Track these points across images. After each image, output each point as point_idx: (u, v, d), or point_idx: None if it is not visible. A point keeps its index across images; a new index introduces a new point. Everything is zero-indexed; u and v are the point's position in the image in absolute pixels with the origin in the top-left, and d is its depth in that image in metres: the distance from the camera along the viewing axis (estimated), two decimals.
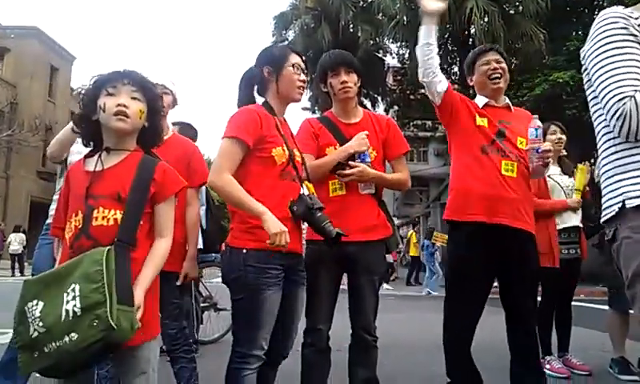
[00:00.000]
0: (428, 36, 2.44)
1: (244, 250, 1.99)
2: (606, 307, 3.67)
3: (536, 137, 2.46)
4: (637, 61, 1.46)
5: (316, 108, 18.88)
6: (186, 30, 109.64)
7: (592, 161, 3.86)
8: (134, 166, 1.78)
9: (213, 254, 6.11)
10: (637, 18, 1.49)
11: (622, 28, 1.47)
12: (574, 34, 13.97)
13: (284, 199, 2.05)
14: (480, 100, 2.62)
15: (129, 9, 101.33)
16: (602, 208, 1.61)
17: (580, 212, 3.68)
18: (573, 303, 3.81)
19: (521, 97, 12.39)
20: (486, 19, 13.42)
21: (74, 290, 1.55)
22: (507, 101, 2.68)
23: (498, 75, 2.59)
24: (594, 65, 1.53)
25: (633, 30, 1.47)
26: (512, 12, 14.25)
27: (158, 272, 1.78)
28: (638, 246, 1.44)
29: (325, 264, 2.37)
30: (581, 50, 1.63)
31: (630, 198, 1.46)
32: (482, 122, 2.53)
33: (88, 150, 1.85)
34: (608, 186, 1.57)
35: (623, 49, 1.46)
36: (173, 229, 1.84)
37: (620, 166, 1.52)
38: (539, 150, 2.42)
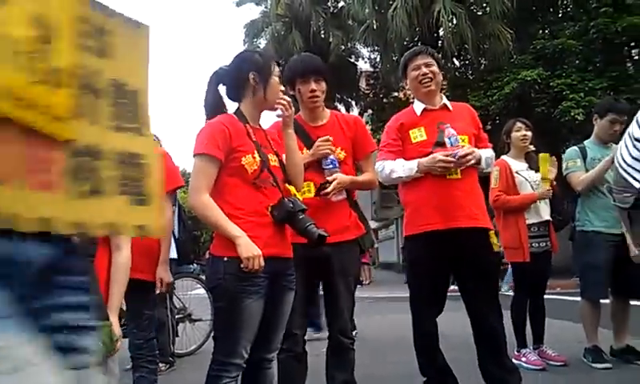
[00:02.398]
0: (408, 176, 2.61)
1: (224, 259, 1.96)
2: (579, 298, 3.74)
3: (451, 145, 2.56)
4: None
5: None
6: (154, 38, 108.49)
7: (561, 156, 3.94)
8: None
9: (191, 266, 6.01)
10: None
11: None
12: (540, 32, 14.30)
13: (262, 205, 2.04)
14: (418, 106, 2.72)
15: None
16: (628, 170, 1.67)
17: (549, 206, 3.75)
18: (547, 296, 3.88)
19: (491, 96, 12.61)
20: (453, 21, 13.63)
21: None
22: (444, 101, 2.75)
23: (428, 80, 2.66)
24: None
25: None
26: (479, 13, 14.50)
27: (125, 287, 1.76)
28: None
29: (299, 268, 2.36)
30: None
31: None
32: (418, 136, 2.64)
33: None
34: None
35: None
36: (130, 238, 1.80)
37: None
38: (456, 157, 2.50)
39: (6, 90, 0.60)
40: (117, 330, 1.63)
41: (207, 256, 2.17)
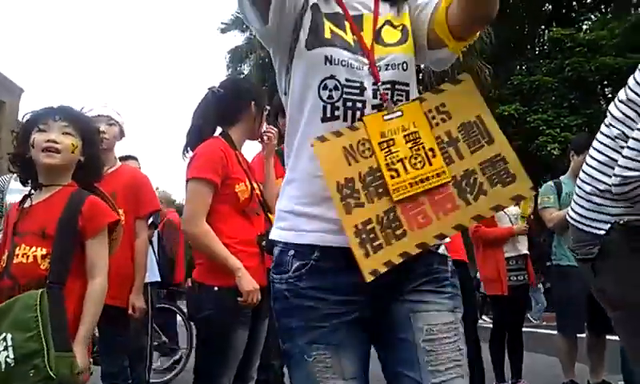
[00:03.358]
0: None
1: (215, 288, 1.92)
2: (555, 332, 3.76)
3: None
4: None
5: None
6: (137, 62, 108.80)
7: (537, 189, 4.01)
8: (63, 201, 1.71)
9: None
10: None
11: None
12: (517, 68, 14.73)
13: (251, 235, 2.02)
14: None
15: (80, 40, 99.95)
16: (579, 216, 1.66)
17: (526, 239, 3.80)
18: (524, 329, 3.89)
19: None
20: None
21: (5, 339, 1.46)
22: None
23: None
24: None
25: None
26: None
27: (97, 318, 1.70)
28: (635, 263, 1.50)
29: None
30: (634, 76, 1.59)
31: (627, 220, 1.51)
32: None
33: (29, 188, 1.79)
34: (596, 204, 1.60)
35: None
36: (107, 267, 1.76)
37: (615, 200, 1.54)
38: None
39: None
40: (82, 361, 1.55)
41: (189, 283, 2.11)
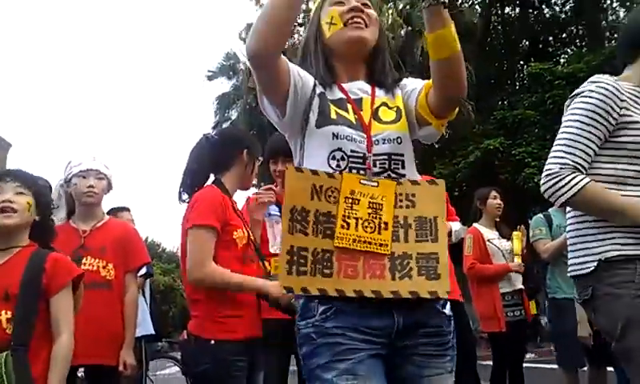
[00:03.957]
0: None
1: (212, 342, 1.88)
2: (556, 366, 3.70)
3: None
4: (595, 137, 1.58)
5: (262, 184, 19.03)
6: (125, 111, 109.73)
7: (528, 221, 4.03)
8: (23, 261, 1.70)
9: (158, 344, 5.78)
10: (623, 94, 1.59)
11: (605, 102, 1.58)
12: (499, 103, 15.06)
13: None
14: None
15: (67, 89, 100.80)
16: (570, 263, 1.68)
17: (521, 274, 3.79)
18: (524, 364, 3.83)
19: (457, 164, 13.02)
20: None
21: None
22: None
23: None
24: (566, 120, 1.65)
25: (616, 106, 1.57)
26: None
27: (65, 377, 1.66)
28: (623, 300, 1.51)
29: (274, 344, 2.29)
30: (565, 104, 1.74)
31: (610, 255, 1.54)
32: None
33: None
34: (580, 243, 1.64)
35: (592, 120, 1.58)
36: (72, 322, 1.73)
37: (597, 227, 1.60)
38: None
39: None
40: None
41: (184, 336, 2.06)
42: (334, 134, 1.29)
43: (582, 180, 1.55)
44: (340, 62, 1.41)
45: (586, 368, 3.59)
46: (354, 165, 1.29)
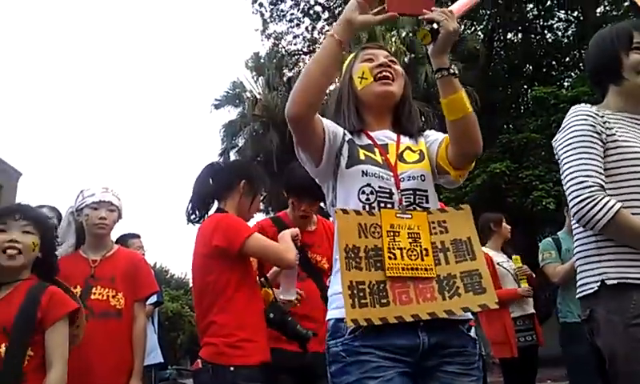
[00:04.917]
0: None
1: (231, 368, 1.88)
2: None
3: None
4: (598, 156, 1.59)
5: (270, 208, 19.06)
6: (133, 139, 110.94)
7: (537, 244, 4.02)
8: (21, 296, 1.72)
9: (166, 372, 5.72)
10: (602, 117, 1.64)
11: (589, 125, 1.62)
12: (504, 127, 15.10)
13: (260, 306, 2.05)
14: None
15: (76, 120, 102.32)
16: (578, 285, 1.69)
17: (531, 299, 3.76)
18: None
19: (464, 187, 13.01)
20: (422, 119, 14.37)
21: None
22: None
23: None
24: (563, 154, 1.66)
25: (599, 128, 1.61)
26: None
27: None
28: (616, 327, 1.52)
29: (283, 374, 2.27)
30: (553, 140, 1.77)
31: (609, 279, 1.55)
32: None
33: None
34: (584, 264, 1.65)
35: (588, 143, 1.60)
36: (66, 356, 1.74)
37: (598, 248, 1.60)
38: None
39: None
40: None
41: (199, 365, 2.04)
42: (362, 171, 1.43)
43: (614, 204, 1.52)
44: (370, 112, 1.56)
45: None
46: (381, 199, 1.41)
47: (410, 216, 1.39)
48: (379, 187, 1.42)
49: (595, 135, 1.61)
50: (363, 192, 1.41)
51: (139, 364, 2.54)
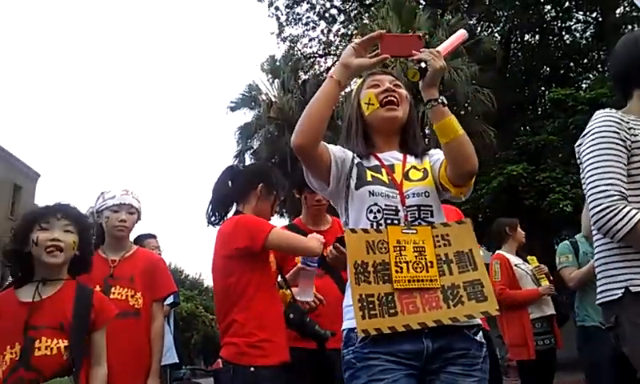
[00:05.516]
0: None
1: (251, 368, 1.91)
2: None
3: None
4: (621, 163, 1.60)
5: (284, 210, 19.12)
6: (150, 141, 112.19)
7: (554, 246, 3.99)
8: (71, 295, 1.83)
9: (180, 371, 5.78)
10: (627, 122, 1.64)
11: (614, 131, 1.62)
12: (521, 129, 14.95)
13: (280, 307, 2.08)
14: None
15: (94, 123, 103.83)
16: (598, 291, 1.69)
17: (551, 301, 3.73)
18: None
19: (480, 190, 12.91)
20: None
21: None
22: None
23: None
24: (586, 160, 1.66)
25: (623, 134, 1.61)
26: (462, 113, 15.25)
27: None
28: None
29: (301, 373, 2.29)
30: (576, 145, 1.78)
31: (634, 285, 1.56)
32: None
33: None
34: (607, 270, 1.65)
35: (612, 150, 1.60)
36: (105, 354, 1.89)
37: (622, 254, 1.60)
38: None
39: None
40: None
41: (220, 364, 2.06)
42: (369, 191, 1.53)
43: (635, 215, 1.52)
44: (377, 135, 1.67)
45: None
46: (388, 216, 1.51)
47: (415, 231, 1.49)
48: (385, 205, 1.52)
49: (620, 142, 1.60)
50: (371, 211, 1.51)
51: (157, 363, 2.58)
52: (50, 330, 1.73)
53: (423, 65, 1.48)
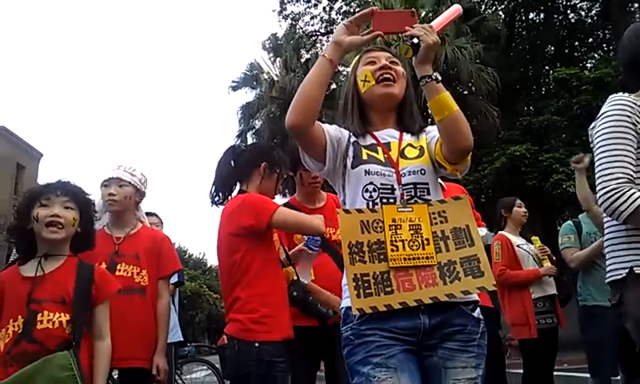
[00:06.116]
0: None
1: (256, 344, 1.94)
2: (587, 375, 3.63)
3: None
4: (631, 146, 1.63)
5: (286, 191, 19.13)
6: (152, 121, 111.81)
7: (557, 227, 3.99)
8: (73, 270, 1.87)
9: (185, 348, 5.88)
10: None
11: (626, 115, 1.65)
12: (525, 109, 14.84)
13: (283, 285, 2.10)
14: None
15: (97, 102, 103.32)
16: (607, 270, 1.75)
17: (553, 279, 3.74)
18: (555, 373, 3.77)
19: (482, 170, 12.88)
20: None
21: None
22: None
23: None
24: (597, 143, 1.70)
25: (634, 119, 1.65)
26: (465, 93, 15.13)
27: (107, 373, 1.88)
28: None
29: (303, 349, 2.32)
30: (590, 127, 1.81)
31: (638, 266, 1.61)
32: None
33: None
34: (614, 251, 1.72)
35: (623, 134, 1.64)
36: (108, 328, 1.93)
37: (628, 236, 1.67)
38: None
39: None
40: None
41: (224, 341, 2.08)
42: (365, 170, 1.53)
43: (639, 197, 1.58)
44: (374, 112, 1.66)
45: (619, 377, 3.52)
46: (383, 195, 1.51)
47: (410, 209, 1.49)
48: (381, 184, 1.52)
49: (631, 126, 1.65)
50: (367, 190, 1.51)
51: (163, 341, 2.59)
52: (52, 304, 1.77)
53: (416, 41, 1.46)
